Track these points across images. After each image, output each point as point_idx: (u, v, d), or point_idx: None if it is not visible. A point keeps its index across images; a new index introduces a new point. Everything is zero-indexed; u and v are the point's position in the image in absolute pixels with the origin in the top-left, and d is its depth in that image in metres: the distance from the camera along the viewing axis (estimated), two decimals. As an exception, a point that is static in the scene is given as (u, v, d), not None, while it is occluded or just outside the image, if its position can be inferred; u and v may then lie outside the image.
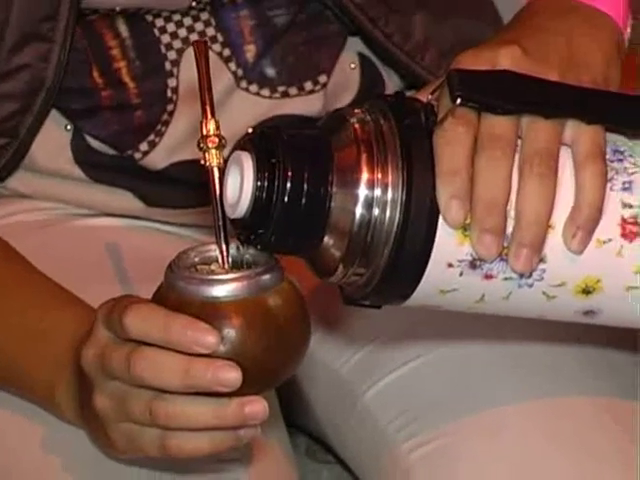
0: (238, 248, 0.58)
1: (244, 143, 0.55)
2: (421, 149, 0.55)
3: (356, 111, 0.57)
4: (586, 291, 0.63)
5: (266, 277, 0.56)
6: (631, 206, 0.57)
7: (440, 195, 0.51)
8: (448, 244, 0.56)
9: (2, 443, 0.70)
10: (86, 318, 0.60)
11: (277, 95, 0.73)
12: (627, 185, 0.57)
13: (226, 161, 0.55)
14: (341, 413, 0.73)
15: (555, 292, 0.61)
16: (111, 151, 0.73)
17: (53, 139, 0.74)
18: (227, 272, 0.57)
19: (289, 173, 0.54)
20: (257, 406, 0.54)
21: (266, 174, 0.54)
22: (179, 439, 0.55)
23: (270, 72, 0.74)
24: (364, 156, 0.55)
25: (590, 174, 0.53)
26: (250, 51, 0.73)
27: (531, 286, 0.60)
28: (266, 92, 0.74)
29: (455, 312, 0.61)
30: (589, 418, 0.65)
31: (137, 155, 0.74)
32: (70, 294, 0.65)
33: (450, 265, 0.57)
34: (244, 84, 0.73)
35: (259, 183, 0.55)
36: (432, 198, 0.54)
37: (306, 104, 0.73)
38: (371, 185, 0.54)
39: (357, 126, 0.57)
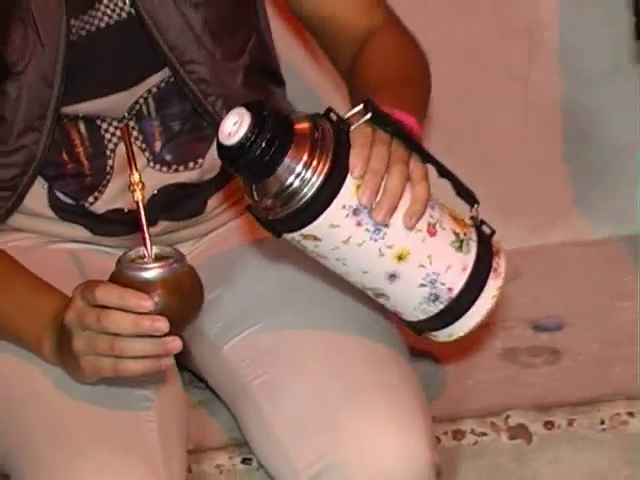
0: (158, 250, 0.91)
1: (245, 105, 0.88)
2: (344, 145, 0.89)
3: (317, 117, 0.90)
4: (400, 257, 0.93)
5: (176, 264, 0.91)
6: (432, 216, 0.93)
7: (352, 169, 0.88)
8: (347, 194, 0.89)
9: (3, 378, 1.05)
10: (61, 298, 0.99)
11: (172, 171, 1.14)
12: (432, 204, 0.93)
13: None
14: (209, 360, 1.13)
15: (385, 251, 0.92)
16: (71, 201, 1.13)
17: (37, 193, 1.13)
18: (153, 262, 0.91)
19: (269, 134, 0.86)
20: (176, 343, 0.90)
21: (257, 125, 0.86)
22: (126, 363, 0.91)
23: (168, 157, 1.14)
24: (308, 145, 0.88)
25: (421, 187, 0.91)
26: (157, 145, 1.14)
27: (375, 241, 0.91)
28: (165, 169, 1.14)
29: (317, 258, 0.94)
30: (362, 358, 1.05)
31: (87, 204, 1.13)
32: (50, 285, 1.03)
33: (343, 207, 0.89)
34: (152, 164, 1.14)
35: (252, 127, 0.86)
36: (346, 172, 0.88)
37: (188, 176, 1.14)
38: (307, 163, 0.87)
39: (312, 124, 0.89)
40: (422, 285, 0.96)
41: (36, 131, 1.10)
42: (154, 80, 1.12)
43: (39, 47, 1.07)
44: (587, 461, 1.22)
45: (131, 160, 0.91)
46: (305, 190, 0.89)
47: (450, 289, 0.96)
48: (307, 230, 0.92)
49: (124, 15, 1.08)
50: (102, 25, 1.08)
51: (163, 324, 0.90)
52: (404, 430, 1.02)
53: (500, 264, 0.98)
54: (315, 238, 0.93)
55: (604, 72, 1.57)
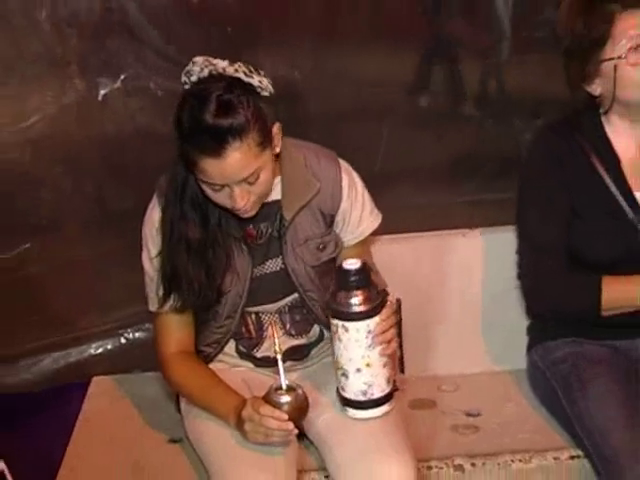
0: (288, 382, 1.89)
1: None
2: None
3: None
4: (368, 364, 1.93)
5: (298, 392, 1.91)
6: (388, 358, 1.95)
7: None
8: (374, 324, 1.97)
9: (204, 434, 2.07)
10: (239, 399, 1.99)
11: (294, 338, 2.21)
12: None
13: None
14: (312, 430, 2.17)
15: (365, 355, 1.94)
16: (245, 351, 2.23)
17: (230, 346, 2.21)
18: (285, 393, 1.90)
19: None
20: (295, 431, 1.90)
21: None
22: (272, 438, 1.92)
23: (292, 332, 2.16)
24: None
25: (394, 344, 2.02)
26: (287, 326, 2.19)
27: (366, 349, 1.95)
28: (291, 337, 2.19)
29: (335, 338, 1.98)
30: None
31: (253, 352, 2.19)
32: (233, 389, 2.05)
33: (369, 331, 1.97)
34: (284, 335, 2.17)
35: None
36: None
37: (303, 340, 2.19)
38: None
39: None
40: (364, 383, 1.93)
41: (231, 318, 2.15)
42: (289, 298, 2.15)
43: (237, 281, 2.08)
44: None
45: (274, 336, 1.95)
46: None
47: (372, 393, 1.94)
48: (347, 324, 1.91)
49: (278, 268, 2.12)
50: (267, 272, 2.11)
51: (291, 427, 1.89)
52: (405, 465, 1.94)
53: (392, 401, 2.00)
54: (347, 330, 1.92)
55: None
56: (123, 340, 2.82)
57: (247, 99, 1.89)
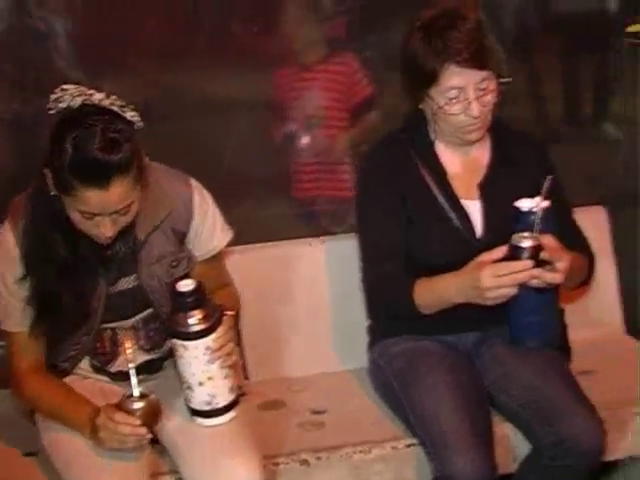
0: (141, 388, 2.01)
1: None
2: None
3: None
4: (209, 378, 2.05)
5: (151, 398, 2.02)
6: (229, 371, 2.13)
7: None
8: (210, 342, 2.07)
9: (59, 446, 2.17)
10: (94, 407, 2.10)
11: (148, 352, 2.34)
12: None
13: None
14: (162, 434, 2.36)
15: (207, 370, 2.05)
16: (99, 365, 2.28)
17: (85, 361, 2.32)
18: (138, 399, 2.00)
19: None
20: (149, 436, 2.03)
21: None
22: (126, 444, 2.04)
23: (147, 346, 2.33)
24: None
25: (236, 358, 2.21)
26: (141, 340, 2.32)
27: (206, 364, 2.06)
28: (145, 351, 2.32)
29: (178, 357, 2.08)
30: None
31: (107, 367, 2.28)
32: (87, 398, 2.16)
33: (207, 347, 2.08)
34: (139, 349, 2.30)
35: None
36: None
37: (157, 354, 2.35)
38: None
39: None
40: (208, 394, 2.06)
41: (87, 335, 2.23)
42: (144, 314, 2.26)
43: (92, 299, 2.16)
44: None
45: (125, 346, 2.07)
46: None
47: (217, 403, 2.07)
48: (187, 343, 2.01)
49: (132, 285, 2.20)
50: (122, 289, 2.20)
51: (144, 432, 2.01)
52: (249, 465, 2.08)
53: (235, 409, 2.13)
54: (186, 349, 2.02)
55: None
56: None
57: (129, 134, 1.97)
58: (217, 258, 2.37)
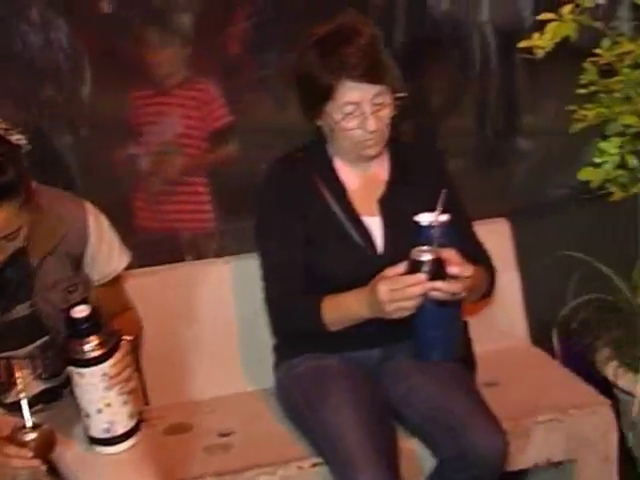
0: (35, 419, 2.04)
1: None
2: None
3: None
4: (108, 404, 2.00)
5: (44, 428, 1.98)
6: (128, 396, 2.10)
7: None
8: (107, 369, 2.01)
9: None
10: None
11: (45, 382, 2.24)
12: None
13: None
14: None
15: (105, 397, 2.00)
16: None
17: None
18: (31, 430, 1.97)
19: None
20: (42, 466, 2.01)
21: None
22: (19, 477, 2.01)
23: (43, 375, 2.23)
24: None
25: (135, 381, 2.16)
26: (38, 371, 2.21)
27: (104, 391, 2.01)
28: (41, 381, 2.24)
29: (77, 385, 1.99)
30: None
31: (2, 398, 2.21)
32: None
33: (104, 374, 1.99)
34: (35, 379, 2.22)
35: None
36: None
37: (52, 383, 2.26)
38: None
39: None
40: (106, 422, 2.02)
41: None
42: (40, 341, 2.18)
43: None
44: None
45: (16, 376, 2.04)
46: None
47: (116, 430, 2.03)
48: (82, 370, 1.97)
49: (27, 312, 2.14)
50: (17, 316, 2.13)
51: (38, 463, 1.94)
52: None
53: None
54: (82, 376, 1.97)
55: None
56: None
57: (14, 157, 1.91)
58: (116, 282, 2.33)
